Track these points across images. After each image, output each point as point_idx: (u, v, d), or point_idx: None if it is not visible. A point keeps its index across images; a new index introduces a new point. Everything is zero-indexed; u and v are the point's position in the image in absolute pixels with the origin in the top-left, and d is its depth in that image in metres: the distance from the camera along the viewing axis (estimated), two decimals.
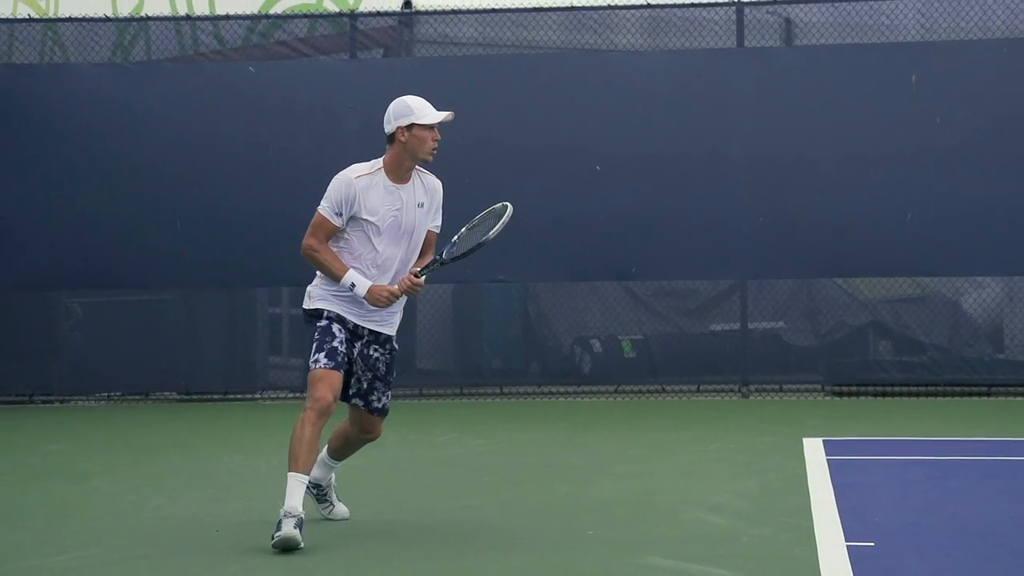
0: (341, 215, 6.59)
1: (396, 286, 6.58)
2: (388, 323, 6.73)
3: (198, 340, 13.44)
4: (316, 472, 6.85)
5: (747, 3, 12.90)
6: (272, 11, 14.27)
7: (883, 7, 12.86)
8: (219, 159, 12.83)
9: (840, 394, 12.74)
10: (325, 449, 6.98)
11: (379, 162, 6.64)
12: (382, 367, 6.77)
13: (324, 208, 6.59)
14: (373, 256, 6.61)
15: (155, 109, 12.90)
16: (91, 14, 13.72)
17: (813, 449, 9.36)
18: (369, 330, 6.69)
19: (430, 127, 6.57)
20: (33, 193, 12.83)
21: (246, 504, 7.85)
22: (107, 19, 13.83)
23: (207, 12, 14.70)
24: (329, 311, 6.68)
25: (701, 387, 12.99)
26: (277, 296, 13.78)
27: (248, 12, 13.77)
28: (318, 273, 6.74)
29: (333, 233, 6.63)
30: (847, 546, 6.38)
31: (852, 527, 6.79)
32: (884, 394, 12.64)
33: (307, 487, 6.68)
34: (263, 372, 13.57)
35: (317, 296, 6.75)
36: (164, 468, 9.38)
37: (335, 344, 6.62)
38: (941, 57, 12.54)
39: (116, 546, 6.75)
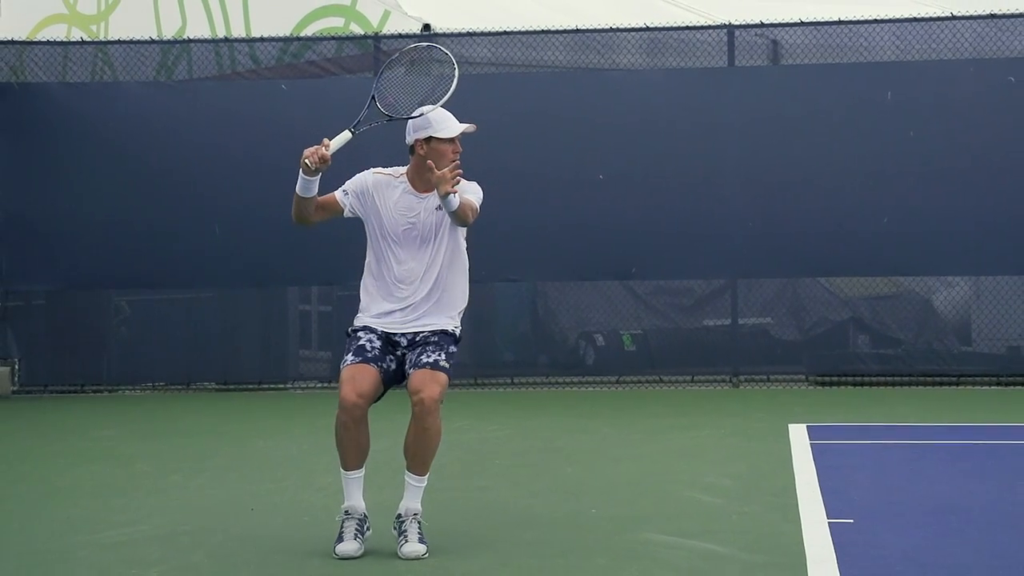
0: (348, 194, 6.10)
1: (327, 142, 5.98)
2: (417, 323, 5.98)
3: (234, 335, 13.45)
4: (401, 502, 5.99)
5: (737, 26, 12.88)
6: (303, 33, 14.28)
7: (861, 30, 12.84)
8: (254, 168, 12.83)
9: (822, 384, 12.73)
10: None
11: (402, 169, 6.13)
12: (433, 337, 5.99)
13: (337, 190, 6.14)
14: (396, 270, 5.99)
15: (196, 123, 12.93)
16: (138, 37, 13.74)
17: (797, 434, 9.36)
18: (408, 337, 6.00)
19: (449, 140, 6.01)
20: (85, 200, 12.87)
21: (278, 485, 7.86)
22: (152, 41, 13.85)
23: (244, 35, 14.73)
24: (357, 327, 6.07)
25: (695, 377, 12.98)
26: (307, 294, 13.79)
27: (281, 35, 13.79)
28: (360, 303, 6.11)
29: (331, 205, 6.09)
30: (829, 523, 6.37)
31: (833, 505, 6.79)
32: (862, 384, 12.63)
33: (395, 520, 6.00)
34: (294, 364, 13.59)
35: (354, 322, 6.11)
36: (204, 452, 9.40)
37: (362, 343, 5.97)
38: (914, 76, 12.53)
39: (160, 523, 6.76)
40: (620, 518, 6.64)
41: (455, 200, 5.76)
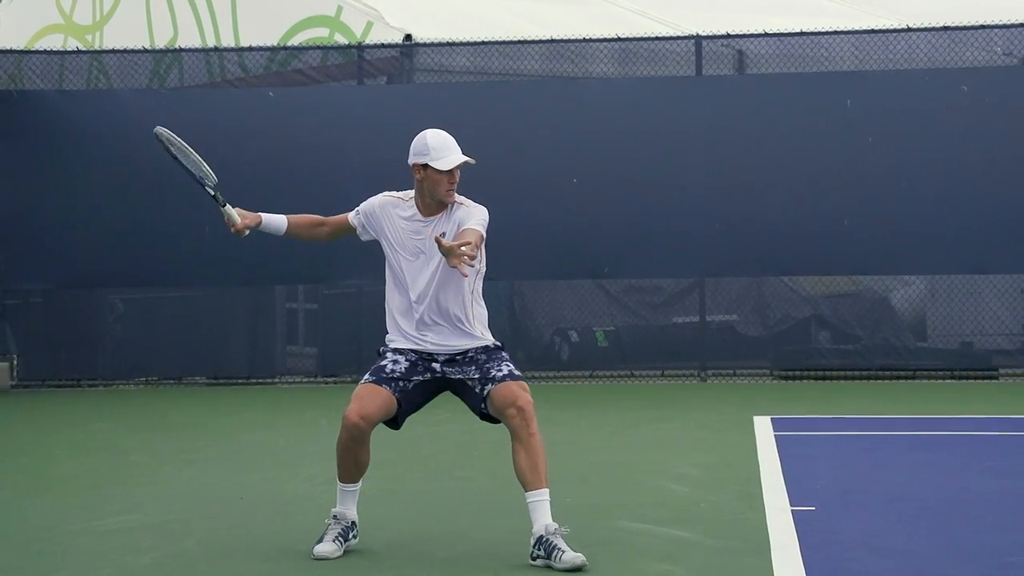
0: (358, 214, 5.86)
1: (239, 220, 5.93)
2: (452, 343, 5.68)
3: (224, 331, 13.41)
4: (535, 525, 5.55)
5: (704, 37, 12.90)
6: (289, 43, 14.25)
7: (822, 40, 12.89)
8: (242, 172, 12.76)
9: (786, 378, 12.76)
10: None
11: (412, 192, 5.81)
12: (482, 356, 5.69)
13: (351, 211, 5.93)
14: (411, 292, 5.70)
15: (187, 129, 12.74)
16: (131, 46, 13.71)
17: (762, 426, 9.38)
18: (446, 355, 5.71)
19: (446, 171, 5.66)
20: (81, 203, 12.81)
21: (266, 475, 7.85)
22: (145, 50, 13.81)
23: (233, 44, 14.70)
24: (387, 348, 5.78)
25: (665, 372, 13.00)
26: (294, 293, 13.76)
27: (269, 44, 13.76)
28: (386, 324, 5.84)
29: (342, 225, 5.92)
30: (791, 510, 6.39)
31: (796, 493, 6.80)
32: (824, 378, 12.67)
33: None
34: (281, 359, 13.54)
35: (386, 340, 5.82)
36: (195, 444, 9.37)
37: (383, 363, 5.69)
38: (872, 84, 12.57)
39: (153, 512, 6.74)
40: (594, 506, 6.64)
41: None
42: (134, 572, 5.55)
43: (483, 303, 5.82)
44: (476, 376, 5.66)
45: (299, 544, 5.87)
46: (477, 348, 5.71)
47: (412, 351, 5.72)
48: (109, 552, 5.86)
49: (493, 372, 5.64)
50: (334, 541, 5.71)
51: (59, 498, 7.23)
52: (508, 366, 5.68)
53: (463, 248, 5.28)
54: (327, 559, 5.65)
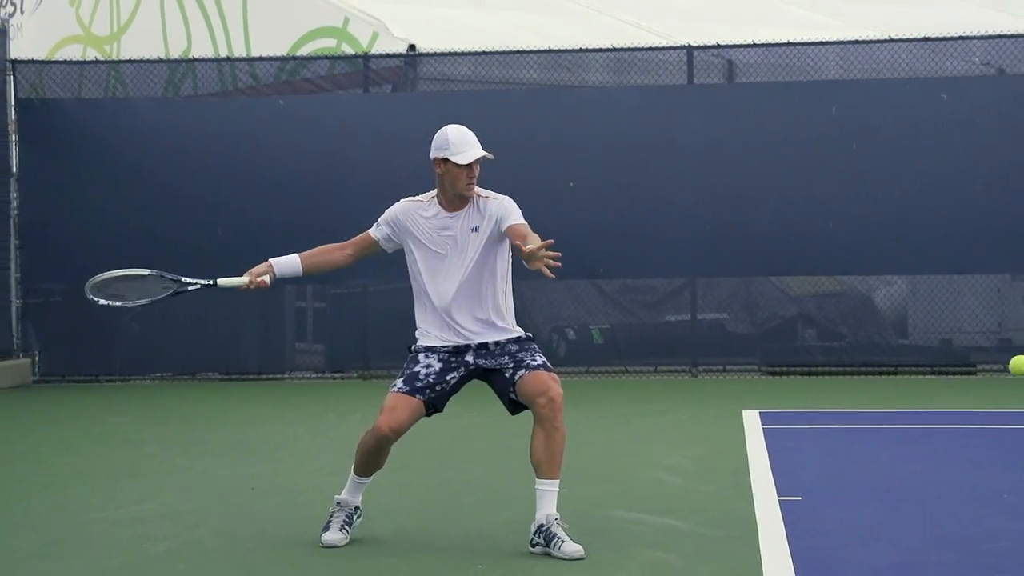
0: (380, 225, 5.70)
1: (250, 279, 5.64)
2: (483, 335, 5.61)
3: (236, 328, 13.39)
4: (538, 512, 5.50)
5: (696, 47, 12.91)
6: (298, 53, 14.24)
7: (809, 51, 12.89)
8: (253, 176, 12.83)
9: (773, 374, 12.76)
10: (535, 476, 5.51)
11: (432, 193, 5.70)
12: (514, 346, 5.60)
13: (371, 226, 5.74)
14: (443, 289, 5.58)
15: (200, 135, 12.89)
16: (147, 56, 13.71)
17: (751, 420, 9.37)
18: (478, 344, 5.60)
19: (465, 165, 5.57)
20: (99, 206, 12.82)
21: (276, 467, 7.84)
22: (160, 60, 13.82)
23: (244, 54, 14.70)
24: (418, 345, 5.64)
25: (658, 368, 12.99)
26: (303, 292, 13.75)
27: (278, 54, 13.76)
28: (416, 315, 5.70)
29: (366, 243, 5.75)
30: (779, 500, 6.39)
31: (783, 484, 6.80)
32: (810, 373, 12.67)
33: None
34: (291, 356, 13.54)
35: (417, 337, 5.69)
36: (207, 436, 9.36)
37: (416, 369, 5.56)
38: (857, 93, 12.58)
39: (167, 501, 6.74)
40: (590, 497, 6.63)
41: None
42: (149, 559, 5.54)
43: (512, 296, 5.78)
44: (509, 364, 5.59)
45: (308, 533, 5.87)
46: (509, 339, 5.64)
47: (443, 348, 5.61)
48: (125, 540, 5.86)
49: (528, 360, 5.57)
50: (340, 530, 5.70)
51: (77, 488, 7.22)
52: (541, 357, 5.62)
53: (542, 251, 5.21)
54: (335, 547, 5.65)
